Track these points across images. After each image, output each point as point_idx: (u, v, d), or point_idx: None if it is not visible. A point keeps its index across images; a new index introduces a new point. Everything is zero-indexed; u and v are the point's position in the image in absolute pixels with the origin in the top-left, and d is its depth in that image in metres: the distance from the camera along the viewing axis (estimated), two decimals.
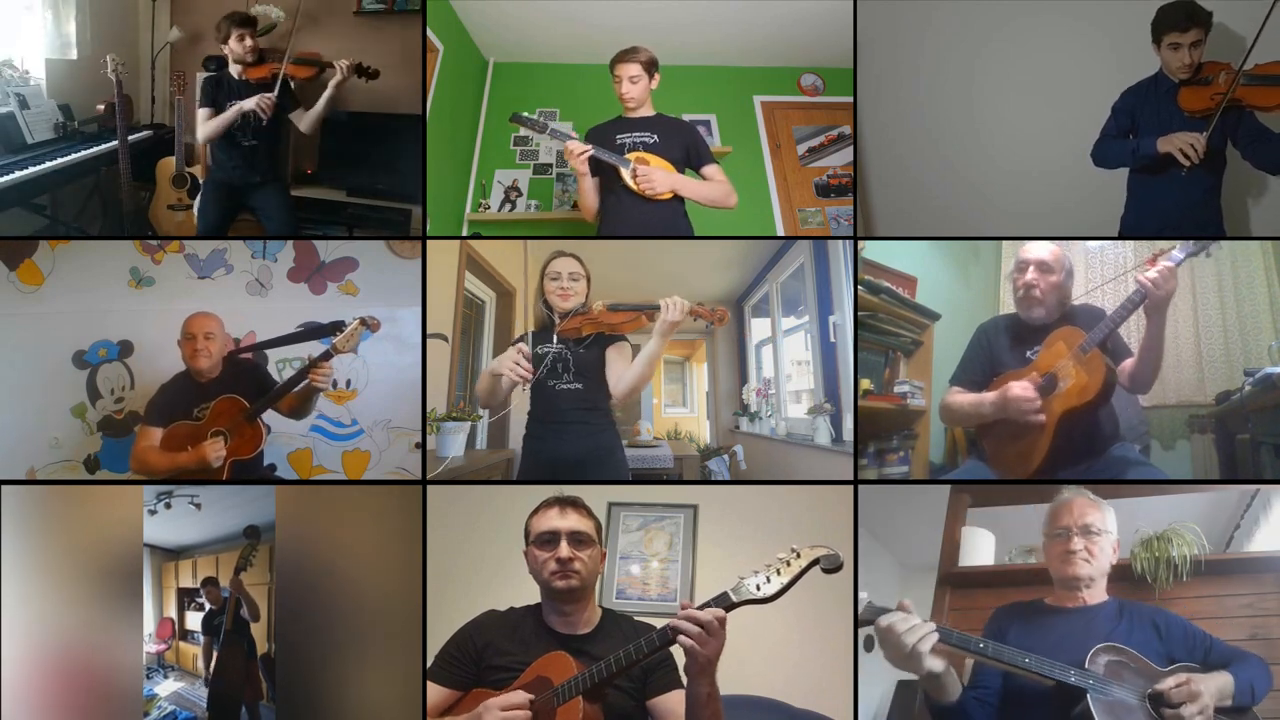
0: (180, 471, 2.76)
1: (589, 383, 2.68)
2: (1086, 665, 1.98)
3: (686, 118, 4.23)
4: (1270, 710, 2.07)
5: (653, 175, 3.02)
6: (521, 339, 2.74)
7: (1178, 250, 2.40)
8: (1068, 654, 2.01)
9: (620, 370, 2.66)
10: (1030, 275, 2.65)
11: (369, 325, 2.80)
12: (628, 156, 3.05)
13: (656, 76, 3.16)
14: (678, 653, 1.86)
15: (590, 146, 3.04)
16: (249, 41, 3.36)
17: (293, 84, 3.47)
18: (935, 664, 1.94)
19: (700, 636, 1.74)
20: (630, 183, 3.03)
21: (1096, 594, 2.21)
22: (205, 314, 2.90)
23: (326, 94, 3.37)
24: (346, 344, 2.75)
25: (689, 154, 3.17)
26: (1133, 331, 3.07)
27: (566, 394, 2.67)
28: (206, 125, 3.39)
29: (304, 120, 3.46)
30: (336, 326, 2.82)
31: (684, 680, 1.86)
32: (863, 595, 2.05)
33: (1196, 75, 2.77)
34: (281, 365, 3.26)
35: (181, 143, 3.62)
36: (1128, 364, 2.55)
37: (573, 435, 2.66)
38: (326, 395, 3.23)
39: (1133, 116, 2.93)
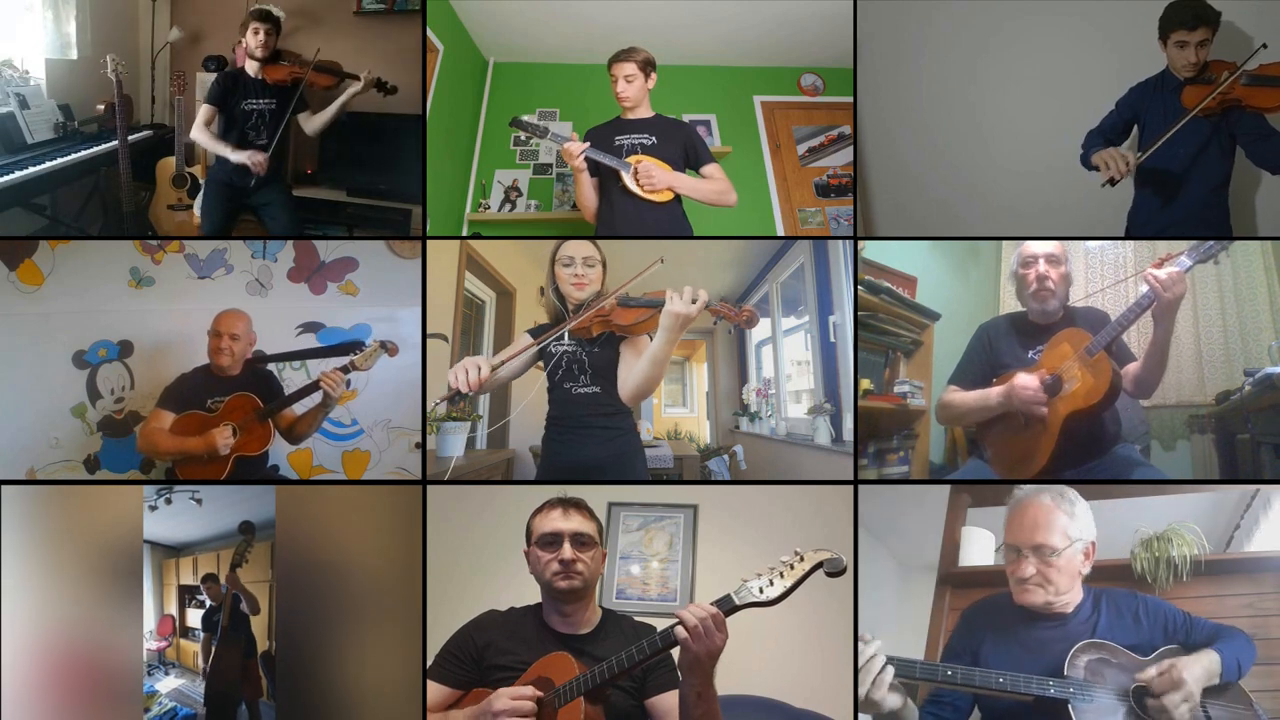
0: (186, 454, 2.84)
1: (606, 384, 2.50)
2: (1066, 667, 1.96)
3: (686, 118, 4.25)
4: (1272, 711, 2.08)
5: (653, 171, 3.03)
6: (535, 332, 2.57)
7: (1185, 256, 2.39)
8: (1046, 662, 1.99)
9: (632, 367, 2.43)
10: (1042, 268, 2.66)
11: (388, 349, 2.96)
12: (628, 160, 3.05)
13: (653, 76, 3.17)
14: (677, 653, 1.86)
15: (588, 145, 3.04)
16: (262, 36, 3.35)
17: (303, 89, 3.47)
18: (893, 701, 1.90)
19: (695, 630, 1.74)
20: (631, 184, 3.03)
21: (1069, 601, 2.13)
22: (236, 312, 3.01)
23: (340, 100, 3.40)
24: (365, 363, 2.92)
25: (688, 154, 3.18)
26: (1132, 336, 3.07)
27: (584, 398, 2.51)
28: (200, 131, 3.40)
29: (311, 123, 3.46)
30: (356, 345, 3.00)
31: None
32: None
33: (1201, 74, 2.77)
34: (280, 365, 3.26)
35: (181, 143, 3.62)
36: (1132, 368, 2.55)
37: (593, 441, 2.51)
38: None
39: (1136, 113, 2.93)
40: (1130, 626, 2.07)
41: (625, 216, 3.08)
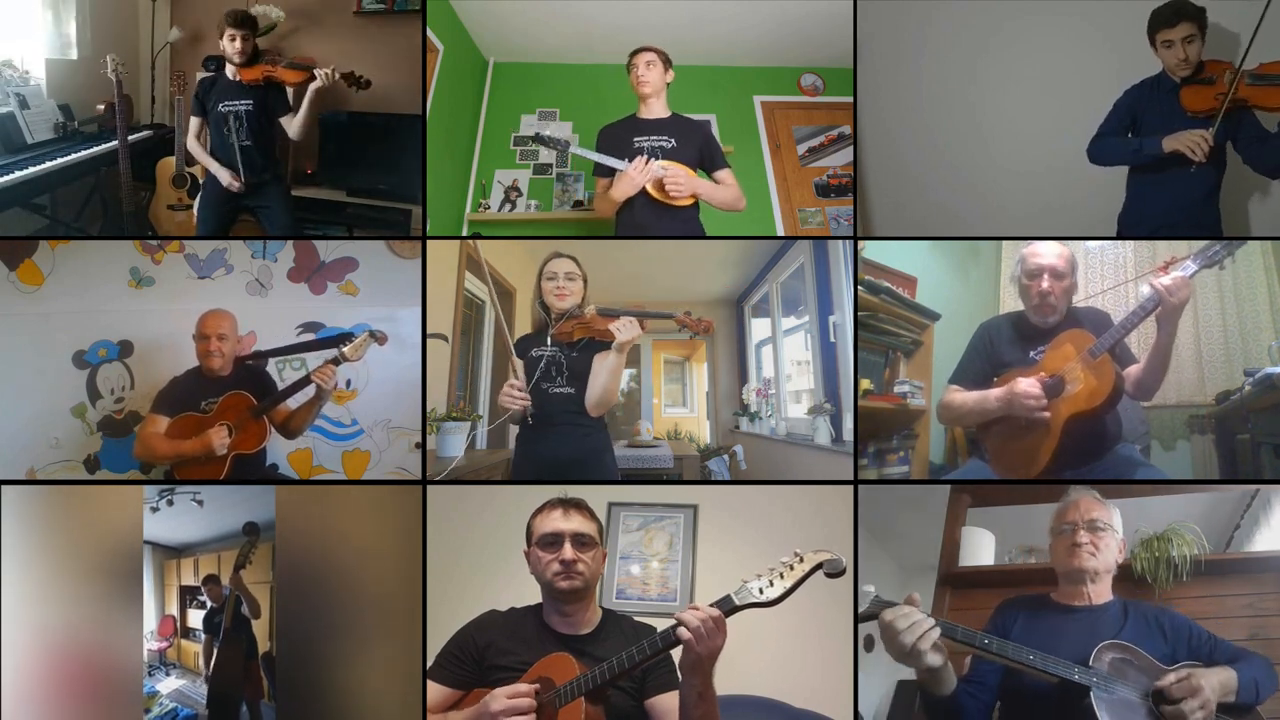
0: (184, 458, 2.83)
1: (581, 387, 2.68)
2: (1091, 662, 1.99)
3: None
4: (1273, 712, 2.07)
5: (681, 179, 3.08)
6: (516, 348, 2.75)
7: (1191, 261, 2.38)
8: (1072, 653, 2.01)
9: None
10: (1045, 284, 2.62)
11: (377, 339, 2.96)
12: (661, 164, 3.08)
13: (670, 71, 3.23)
14: (677, 653, 1.86)
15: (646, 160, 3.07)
16: (239, 43, 3.33)
17: (289, 89, 3.47)
18: (934, 659, 1.94)
19: (697, 632, 1.75)
20: (653, 191, 3.08)
21: (1102, 592, 2.22)
22: (219, 313, 2.98)
23: (306, 100, 3.36)
24: (355, 353, 2.91)
25: (703, 157, 3.23)
26: (1133, 336, 3.07)
27: (559, 398, 2.67)
28: (193, 143, 3.49)
29: (291, 126, 3.43)
30: (346, 338, 2.96)
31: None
32: (868, 589, 2.03)
33: (1198, 74, 2.75)
34: (281, 365, 3.27)
35: (181, 143, 3.62)
36: (1133, 370, 2.55)
37: (564, 437, 2.67)
38: None
39: (1133, 114, 2.92)
40: (1156, 638, 2.10)
41: (647, 220, 3.13)
